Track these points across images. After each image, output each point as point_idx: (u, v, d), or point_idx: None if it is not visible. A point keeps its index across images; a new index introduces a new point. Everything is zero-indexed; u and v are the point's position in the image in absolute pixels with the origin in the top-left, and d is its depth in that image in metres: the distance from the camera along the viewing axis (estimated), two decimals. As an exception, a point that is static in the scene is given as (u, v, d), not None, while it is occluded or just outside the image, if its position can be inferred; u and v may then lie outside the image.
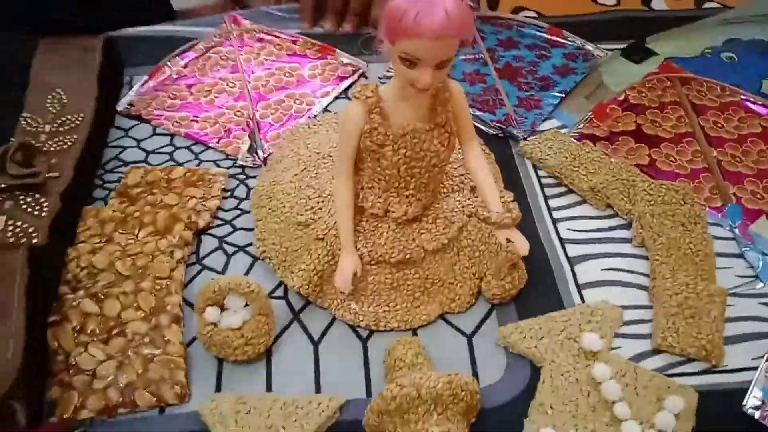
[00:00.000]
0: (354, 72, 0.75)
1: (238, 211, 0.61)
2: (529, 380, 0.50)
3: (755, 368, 0.50)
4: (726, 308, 0.53)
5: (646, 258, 0.57)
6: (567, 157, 0.63)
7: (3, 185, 0.55)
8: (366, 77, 0.75)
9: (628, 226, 0.60)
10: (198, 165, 0.65)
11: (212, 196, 0.61)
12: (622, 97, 0.71)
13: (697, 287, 0.53)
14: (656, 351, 0.51)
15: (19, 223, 0.53)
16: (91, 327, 0.51)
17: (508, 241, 0.51)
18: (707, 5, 0.86)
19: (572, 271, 0.56)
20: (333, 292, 0.53)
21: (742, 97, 0.71)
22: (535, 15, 0.84)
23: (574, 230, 0.60)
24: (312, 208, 0.54)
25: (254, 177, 0.63)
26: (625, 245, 0.58)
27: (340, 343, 0.52)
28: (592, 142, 0.66)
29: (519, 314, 0.54)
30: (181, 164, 0.64)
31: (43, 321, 0.50)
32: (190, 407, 0.48)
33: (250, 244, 0.58)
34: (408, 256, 0.52)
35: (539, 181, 0.64)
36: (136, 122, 0.69)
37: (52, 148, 0.60)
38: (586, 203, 0.62)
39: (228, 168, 0.64)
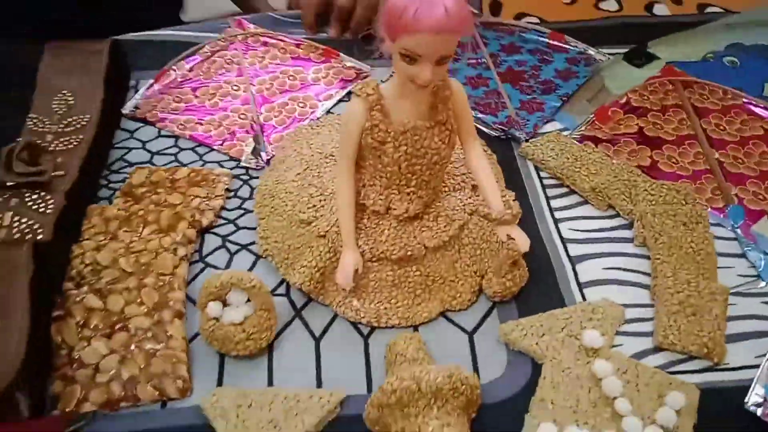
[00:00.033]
0: (357, 75, 0.75)
1: (242, 211, 0.61)
2: (530, 377, 0.50)
3: (757, 366, 0.49)
4: (728, 307, 0.53)
5: (648, 257, 0.57)
6: (569, 158, 0.63)
7: (9, 183, 0.56)
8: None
9: (629, 226, 0.60)
10: (202, 166, 0.65)
11: (216, 196, 0.61)
12: (623, 100, 0.71)
13: (698, 286, 0.53)
14: (657, 349, 0.51)
15: (24, 220, 0.54)
16: (95, 322, 0.51)
17: (509, 237, 0.51)
18: (709, 10, 0.87)
19: (573, 270, 0.57)
20: (334, 289, 0.53)
21: (744, 100, 0.71)
22: (538, 21, 0.85)
23: (576, 230, 0.60)
24: (314, 206, 0.55)
25: (257, 177, 0.64)
26: (626, 245, 0.59)
27: (341, 339, 0.52)
28: (594, 144, 0.66)
29: (520, 312, 0.54)
30: (185, 165, 0.65)
31: (46, 316, 0.50)
32: (192, 401, 0.48)
33: (252, 243, 0.58)
34: (409, 253, 0.52)
35: (541, 182, 0.64)
36: (142, 124, 0.70)
37: (58, 148, 0.61)
38: (588, 204, 0.62)
39: (231, 169, 0.65)
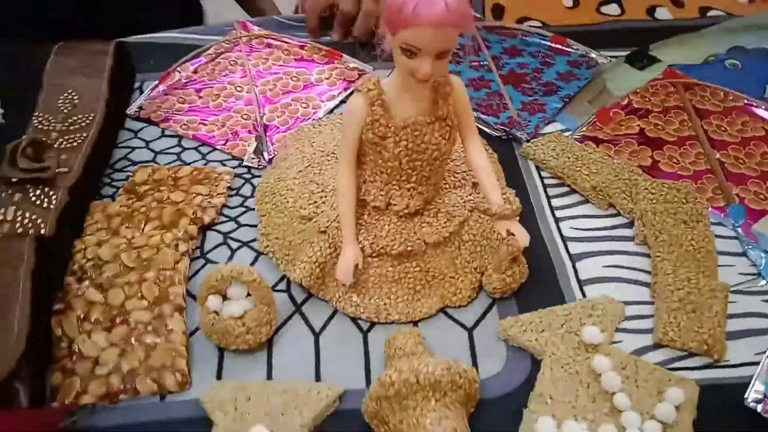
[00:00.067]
0: (360, 76, 0.76)
1: (243, 209, 0.62)
2: (529, 372, 0.50)
3: (757, 363, 0.49)
4: (728, 304, 0.53)
5: (648, 256, 0.57)
6: (569, 158, 0.64)
7: (13, 179, 0.56)
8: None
9: (630, 224, 0.60)
10: (205, 165, 0.66)
11: (218, 194, 0.61)
12: (625, 102, 0.72)
13: (698, 283, 0.53)
14: (657, 345, 0.51)
15: (27, 215, 0.54)
16: (95, 315, 0.51)
17: (509, 233, 0.51)
18: (711, 14, 0.87)
19: (574, 267, 0.57)
20: (335, 285, 0.53)
21: (746, 101, 0.71)
22: (540, 25, 0.85)
23: (577, 228, 0.60)
24: (315, 202, 0.55)
25: (259, 176, 0.64)
26: (627, 243, 0.59)
27: (341, 335, 0.53)
28: (595, 145, 0.66)
29: (520, 309, 0.54)
30: (188, 164, 0.66)
31: (47, 308, 0.50)
32: (191, 395, 0.49)
33: (254, 240, 0.59)
34: (409, 248, 0.52)
35: (542, 181, 0.64)
36: (145, 125, 0.70)
37: (62, 145, 0.61)
38: (589, 203, 0.62)
39: (234, 168, 0.65)
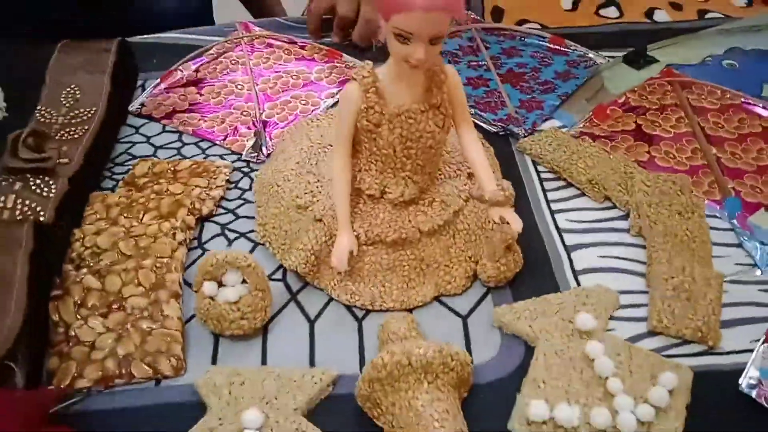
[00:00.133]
0: (359, 76, 0.77)
1: (242, 201, 0.62)
2: (523, 359, 0.50)
3: (752, 351, 0.49)
4: (724, 294, 0.53)
5: (643, 247, 0.57)
6: (565, 152, 0.64)
7: (14, 166, 0.57)
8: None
9: (625, 217, 0.60)
10: (204, 159, 0.66)
11: (216, 186, 0.62)
12: (622, 100, 0.72)
13: (693, 272, 0.53)
14: (652, 333, 0.51)
15: (27, 202, 0.55)
16: (92, 301, 0.52)
17: (502, 219, 0.52)
18: (710, 16, 0.88)
19: (569, 258, 0.57)
20: (330, 273, 0.54)
21: (743, 100, 0.72)
22: (539, 27, 0.86)
23: (572, 221, 0.60)
24: (311, 191, 0.56)
25: (258, 170, 0.65)
26: (622, 234, 0.59)
27: (335, 322, 0.53)
28: (591, 140, 0.67)
29: (514, 298, 0.54)
30: (188, 158, 0.66)
31: (45, 293, 0.51)
32: (186, 380, 0.49)
33: (251, 231, 0.59)
34: (404, 236, 0.52)
35: (538, 175, 0.65)
36: (147, 121, 0.71)
37: (63, 137, 0.62)
38: (584, 196, 0.62)
39: (233, 162, 0.66)
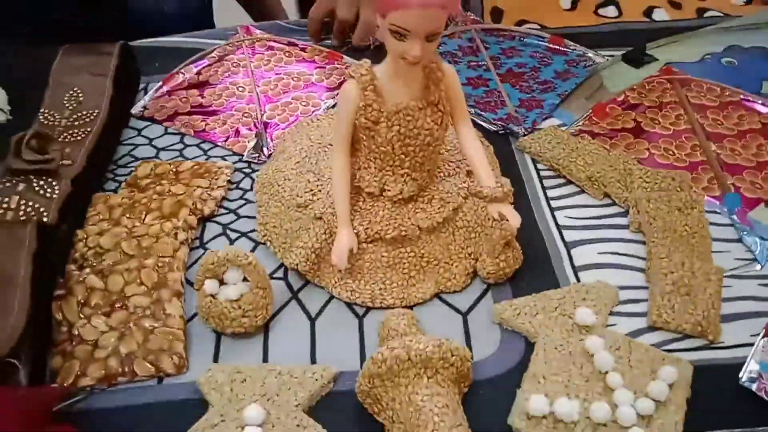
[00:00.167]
0: (360, 76, 0.77)
1: (243, 201, 0.63)
2: (523, 355, 0.50)
3: (752, 345, 0.49)
4: (723, 288, 0.53)
5: (643, 243, 0.57)
6: (565, 149, 0.64)
7: (18, 169, 0.58)
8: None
9: (625, 214, 0.60)
10: (206, 161, 0.67)
11: (218, 186, 0.62)
12: (621, 98, 0.72)
13: (693, 266, 0.53)
14: (652, 328, 0.51)
15: (30, 203, 0.55)
16: (95, 301, 0.52)
17: (500, 215, 0.52)
18: (709, 14, 0.88)
19: (569, 254, 0.57)
20: (330, 271, 0.54)
21: (742, 97, 0.72)
22: (538, 27, 0.86)
23: (572, 218, 0.60)
24: (311, 190, 0.56)
25: (259, 170, 0.65)
26: (622, 231, 0.59)
27: (336, 320, 0.53)
28: (591, 138, 0.67)
29: (514, 295, 0.54)
30: (189, 160, 0.67)
31: (48, 293, 0.51)
32: (188, 378, 0.49)
33: (252, 231, 0.60)
34: (403, 233, 0.53)
35: (538, 173, 0.65)
36: (149, 123, 0.72)
37: (66, 139, 0.63)
38: (584, 193, 0.62)
39: (234, 163, 0.66)
